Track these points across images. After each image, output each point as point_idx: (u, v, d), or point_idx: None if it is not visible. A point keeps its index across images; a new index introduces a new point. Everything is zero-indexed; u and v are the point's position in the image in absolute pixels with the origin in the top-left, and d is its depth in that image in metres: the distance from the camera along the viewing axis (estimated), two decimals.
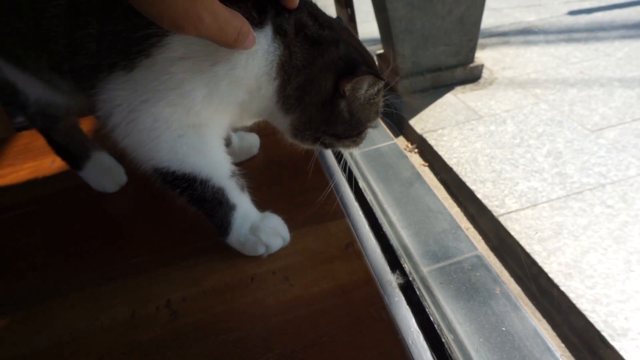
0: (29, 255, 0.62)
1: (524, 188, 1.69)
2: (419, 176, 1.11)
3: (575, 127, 2.00)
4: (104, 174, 0.71)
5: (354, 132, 0.54)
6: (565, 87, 2.33)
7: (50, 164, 0.84)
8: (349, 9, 1.98)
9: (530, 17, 3.31)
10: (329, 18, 0.53)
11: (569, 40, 2.87)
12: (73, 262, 0.60)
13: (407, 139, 2.27)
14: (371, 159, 1.19)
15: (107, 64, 0.46)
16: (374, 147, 1.24)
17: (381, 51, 2.78)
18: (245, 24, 0.41)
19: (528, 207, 1.61)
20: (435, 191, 1.40)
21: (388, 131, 1.32)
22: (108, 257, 0.59)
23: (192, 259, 0.56)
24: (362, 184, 1.08)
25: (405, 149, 2.21)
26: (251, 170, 0.71)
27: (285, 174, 0.70)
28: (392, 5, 2.18)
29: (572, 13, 3.27)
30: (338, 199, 0.62)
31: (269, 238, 0.54)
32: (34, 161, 0.86)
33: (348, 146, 0.56)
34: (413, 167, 1.13)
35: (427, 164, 2.07)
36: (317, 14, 0.51)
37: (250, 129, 0.75)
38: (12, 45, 0.53)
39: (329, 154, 1.15)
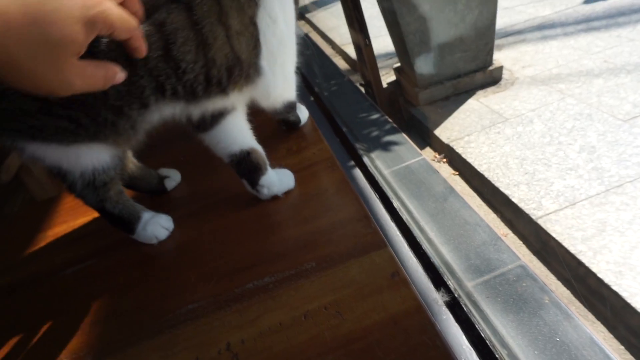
0: (92, 309, 0.67)
1: (560, 187, 1.66)
2: (452, 190, 1.11)
3: (606, 118, 1.96)
4: (155, 227, 0.75)
5: None
6: (590, 79, 2.28)
7: (98, 220, 0.89)
8: (363, 34, 2.02)
9: (544, 12, 3.28)
10: None
11: (588, 30, 2.82)
12: (136, 312, 0.63)
13: (434, 149, 2.27)
14: (402, 177, 1.20)
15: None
16: (403, 164, 1.25)
17: (398, 65, 2.80)
18: (110, 69, 0.49)
19: (567, 207, 1.57)
20: (469, 199, 1.40)
21: (415, 147, 1.32)
22: (166, 305, 0.62)
23: (244, 300, 0.59)
24: (396, 203, 1.09)
25: (434, 160, 2.20)
26: (288, 207, 0.74)
27: (321, 206, 0.72)
28: (404, 20, 2.20)
29: (588, 1, 3.22)
30: (377, 227, 0.63)
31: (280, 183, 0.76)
32: (85, 216, 0.91)
33: None
34: (445, 181, 1.14)
35: (457, 173, 2.06)
36: None
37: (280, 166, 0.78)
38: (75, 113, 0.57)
39: (359, 177, 1.17)
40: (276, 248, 0.66)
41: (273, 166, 0.77)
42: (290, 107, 0.85)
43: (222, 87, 0.63)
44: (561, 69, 2.45)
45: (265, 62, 0.66)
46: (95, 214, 0.90)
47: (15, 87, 0.44)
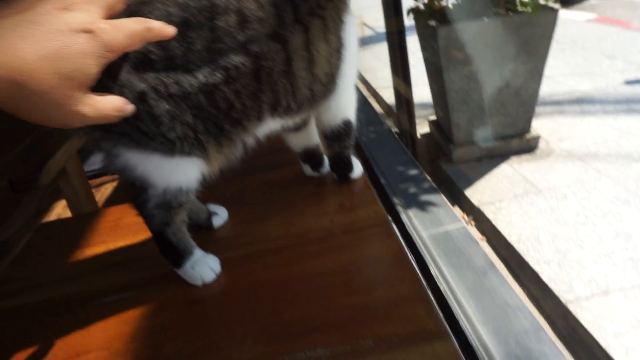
0: (125, 350, 0.64)
1: (593, 273, 1.61)
2: (492, 265, 1.08)
3: None
4: (203, 267, 0.73)
5: None
6: (629, 162, 2.26)
7: (141, 246, 0.87)
8: (406, 84, 2.04)
9: (584, 86, 3.28)
10: None
11: (628, 112, 2.81)
12: None
13: (463, 210, 2.24)
14: (440, 242, 1.18)
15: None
16: (442, 229, 1.23)
17: (434, 117, 2.81)
18: (119, 100, 0.51)
19: (599, 295, 1.52)
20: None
21: (455, 212, 1.30)
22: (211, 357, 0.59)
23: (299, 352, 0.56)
24: (434, 270, 1.06)
25: (462, 221, 2.17)
26: (340, 271, 0.71)
27: (376, 277, 0.69)
28: (450, 77, 2.22)
29: (629, 83, 3.23)
30: (440, 313, 0.60)
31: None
32: (125, 239, 0.90)
33: None
34: (485, 254, 1.11)
35: (485, 239, 2.02)
36: None
37: None
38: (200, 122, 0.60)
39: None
40: (329, 316, 0.63)
41: (322, 221, 0.74)
42: (348, 129, 0.84)
43: (315, 101, 0.70)
44: (599, 147, 2.43)
45: (341, 77, 0.73)
46: (137, 239, 0.89)
47: (28, 120, 0.46)
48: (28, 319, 0.73)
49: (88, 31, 0.45)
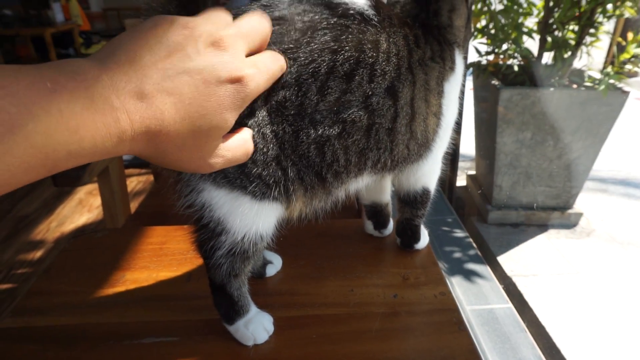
0: None
1: None
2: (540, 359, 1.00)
3: None
4: (257, 326, 0.66)
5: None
6: None
7: (187, 280, 0.81)
8: (457, 133, 1.98)
9: (630, 168, 3.18)
10: None
11: None
12: None
13: (495, 277, 2.14)
14: (484, 322, 1.10)
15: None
16: (487, 306, 1.15)
17: (473, 172, 2.74)
18: (248, 143, 0.48)
19: None
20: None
21: (502, 289, 1.22)
22: None
23: None
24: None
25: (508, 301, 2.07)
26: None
27: None
28: (502, 140, 2.16)
29: None
30: None
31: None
32: (169, 270, 0.84)
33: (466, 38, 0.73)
34: (534, 345, 1.02)
35: None
36: None
37: None
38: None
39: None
40: None
41: (385, 293, 0.68)
42: (425, 199, 0.81)
43: (410, 161, 0.68)
44: None
45: (435, 143, 0.71)
46: (182, 271, 0.83)
47: (158, 165, 0.45)
48: (51, 344, 0.67)
49: (235, 80, 0.41)
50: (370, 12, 0.56)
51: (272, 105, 0.51)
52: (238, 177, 0.54)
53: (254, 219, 0.58)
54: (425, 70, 0.62)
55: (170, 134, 0.39)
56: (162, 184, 1.50)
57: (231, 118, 0.43)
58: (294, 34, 0.51)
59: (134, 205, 1.50)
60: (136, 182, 2.93)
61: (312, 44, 0.51)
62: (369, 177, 0.66)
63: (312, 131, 0.53)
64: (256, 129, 0.51)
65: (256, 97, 0.47)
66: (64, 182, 1.22)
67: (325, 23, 0.52)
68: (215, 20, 0.43)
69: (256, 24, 0.45)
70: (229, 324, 0.66)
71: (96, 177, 1.34)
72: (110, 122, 0.35)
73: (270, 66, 0.46)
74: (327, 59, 0.52)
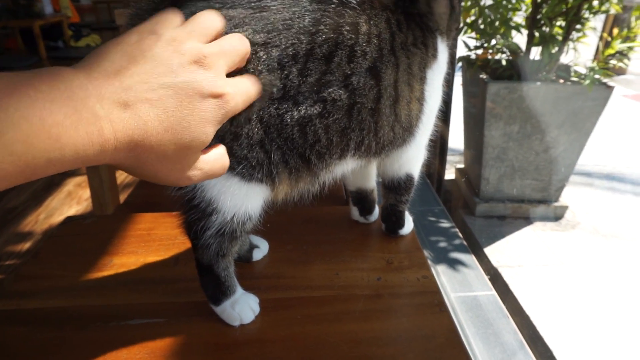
0: None
1: None
2: (522, 345, 1.03)
3: None
4: (244, 307, 0.68)
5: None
6: None
7: (174, 264, 0.82)
8: (446, 125, 2.01)
9: (615, 162, 3.24)
10: None
11: None
12: None
13: (481, 268, 2.18)
14: (468, 308, 1.12)
15: None
16: (471, 293, 1.17)
17: (461, 166, 2.77)
18: (224, 157, 0.49)
19: None
20: None
21: (486, 277, 1.25)
22: None
23: None
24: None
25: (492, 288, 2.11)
26: (388, 340, 0.66)
27: (428, 357, 0.64)
28: (490, 133, 2.19)
29: None
30: None
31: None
32: (157, 254, 0.85)
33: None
34: (516, 331, 1.05)
35: None
36: None
37: None
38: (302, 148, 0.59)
39: None
40: None
41: (369, 276, 0.70)
42: (409, 185, 0.83)
43: (395, 145, 0.69)
44: (626, 230, 2.37)
45: (418, 129, 0.72)
46: (169, 255, 0.84)
47: (135, 177, 0.46)
48: (40, 326, 0.68)
49: (217, 96, 0.43)
50: None
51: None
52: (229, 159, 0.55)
53: (243, 199, 0.60)
54: (408, 54, 0.63)
55: (153, 145, 0.39)
56: None
57: (211, 132, 0.44)
58: (274, 21, 0.52)
59: (124, 197, 1.50)
60: (126, 174, 2.92)
61: (292, 29, 0.53)
62: (354, 161, 0.67)
63: (296, 112, 0.55)
64: (244, 114, 0.52)
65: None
66: None
67: (303, 8, 0.54)
68: (199, 35, 0.44)
69: (237, 44, 0.47)
70: (216, 304, 0.68)
71: (85, 167, 1.34)
72: (94, 131, 0.35)
73: (249, 89, 0.48)
74: (305, 41, 0.53)
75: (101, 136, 0.36)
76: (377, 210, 0.93)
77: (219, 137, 0.53)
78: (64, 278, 0.79)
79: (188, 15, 0.46)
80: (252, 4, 0.52)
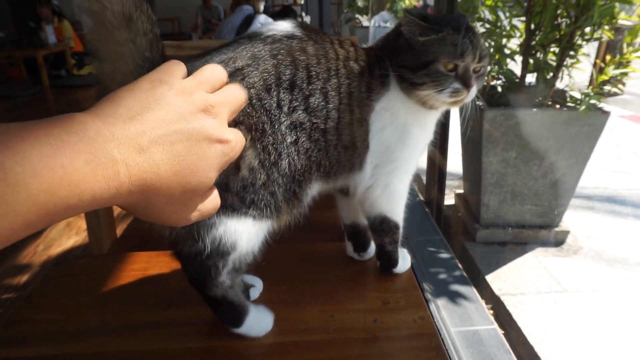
0: None
1: None
2: None
3: None
4: (261, 318, 0.74)
5: (421, 62, 0.70)
6: None
7: (168, 307, 0.81)
8: (442, 155, 2.01)
9: (615, 185, 3.23)
10: None
11: None
12: None
13: (482, 296, 2.15)
14: (469, 344, 1.10)
15: None
16: (472, 328, 1.15)
17: (461, 191, 2.77)
18: (217, 198, 0.49)
19: None
20: None
21: (487, 311, 1.23)
22: None
23: None
24: None
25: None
26: None
27: None
28: (488, 159, 2.19)
29: None
30: None
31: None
32: (151, 296, 0.84)
33: (424, 83, 0.70)
34: None
35: (503, 332, 1.92)
36: None
37: None
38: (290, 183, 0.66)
39: None
40: None
41: (365, 319, 0.68)
42: (385, 228, 0.81)
43: (344, 166, 0.72)
44: (629, 254, 2.35)
45: (369, 160, 0.74)
46: (162, 298, 0.82)
47: (139, 218, 0.47)
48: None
49: (223, 142, 0.45)
50: (296, 30, 0.67)
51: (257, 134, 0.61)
52: (242, 205, 0.63)
53: (256, 236, 0.67)
54: (352, 77, 0.69)
55: (163, 188, 0.41)
56: None
57: (215, 177, 0.46)
58: (243, 65, 0.62)
59: (122, 228, 1.49)
60: None
61: (260, 67, 0.62)
62: (319, 183, 0.72)
63: (284, 145, 0.63)
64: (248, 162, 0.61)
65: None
66: None
67: (262, 50, 0.63)
68: (206, 86, 0.46)
69: (237, 94, 0.50)
70: (238, 326, 0.71)
71: None
72: (111, 175, 0.36)
73: (243, 137, 0.50)
74: (272, 73, 0.62)
75: (117, 180, 0.37)
76: (372, 248, 0.92)
77: (224, 184, 0.60)
78: (56, 323, 0.78)
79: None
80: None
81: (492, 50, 2.31)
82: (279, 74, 0.63)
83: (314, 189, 0.73)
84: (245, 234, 0.65)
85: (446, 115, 1.99)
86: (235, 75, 0.61)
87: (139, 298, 0.84)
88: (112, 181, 0.36)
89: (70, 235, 2.55)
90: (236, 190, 0.62)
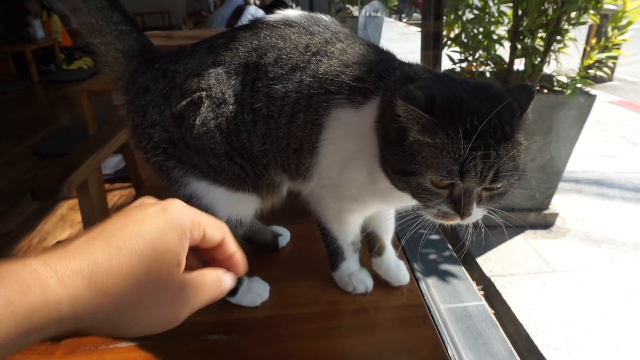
0: None
1: None
2: (512, 354, 1.04)
3: None
4: (255, 288, 0.78)
5: (401, 167, 0.54)
6: None
7: None
8: None
9: (603, 168, 3.28)
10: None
11: None
12: None
13: (473, 278, 2.18)
14: (458, 319, 1.13)
15: None
16: (461, 304, 1.19)
17: None
18: (219, 282, 0.44)
19: None
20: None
21: (476, 289, 1.26)
22: None
23: None
24: (451, 351, 1.02)
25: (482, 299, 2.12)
26: (374, 355, 0.67)
27: None
28: None
29: None
30: None
31: (358, 283, 0.77)
32: None
33: (403, 189, 0.57)
34: (505, 340, 1.06)
35: (493, 312, 1.96)
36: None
37: None
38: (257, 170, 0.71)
39: None
40: None
41: None
42: (325, 234, 0.77)
43: (295, 168, 0.70)
44: (616, 235, 2.39)
45: (316, 172, 0.69)
46: None
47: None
48: (26, 355, 0.69)
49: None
50: (301, 19, 0.69)
51: (217, 101, 0.66)
52: (210, 171, 0.69)
53: (233, 206, 0.72)
54: (312, 92, 0.64)
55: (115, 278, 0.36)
56: (143, 195, 1.52)
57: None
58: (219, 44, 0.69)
59: None
60: (119, 196, 2.93)
61: (232, 51, 0.67)
62: (286, 179, 0.74)
63: (241, 118, 0.67)
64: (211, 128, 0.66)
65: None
66: (43, 196, 1.24)
67: (244, 34, 0.69)
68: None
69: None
70: (233, 295, 0.76)
71: (75, 191, 1.35)
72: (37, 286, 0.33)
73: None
74: (244, 54, 0.67)
75: (46, 287, 0.33)
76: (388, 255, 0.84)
77: (172, 139, 0.68)
78: None
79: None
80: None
81: (480, 36, 2.33)
82: (249, 56, 0.67)
83: (285, 181, 0.74)
84: (221, 201, 0.70)
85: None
86: (209, 54, 0.68)
87: None
88: (43, 292, 0.32)
89: (65, 228, 2.56)
90: (191, 145, 0.67)
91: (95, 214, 1.40)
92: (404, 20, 13.70)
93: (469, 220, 0.56)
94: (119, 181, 3.01)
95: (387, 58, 0.67)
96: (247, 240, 0.90)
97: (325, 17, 0.71)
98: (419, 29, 4.61)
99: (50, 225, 2.60)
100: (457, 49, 2.40)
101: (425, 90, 0.51)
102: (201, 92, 0.66)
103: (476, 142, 0.48)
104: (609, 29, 2.09)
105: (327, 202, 0.73)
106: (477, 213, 0.56)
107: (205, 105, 0.66)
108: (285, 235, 0.94)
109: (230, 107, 0.67)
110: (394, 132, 0.53)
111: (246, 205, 0.73)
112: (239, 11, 3.85)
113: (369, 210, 0.74)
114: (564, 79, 2.28)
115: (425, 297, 1.22)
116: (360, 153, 0.63)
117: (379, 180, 0.62)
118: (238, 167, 0.69)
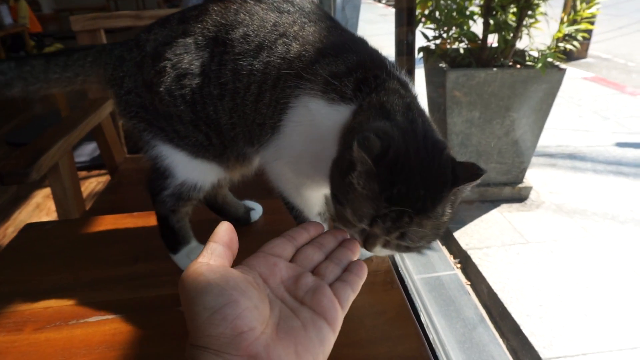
0: None
1: (574, 332, 1.62)
2: (482, 319, 1.07)
3: (628, 272, 1.94)
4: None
5: (335, 192, 0.58)
6: (615, 225, 2.29)
7: (134, 262, 0.84)
8: None
9: (577, 142, 3.36)
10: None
11: (617, 174, 2.88)
12: None
13: (450, 252, 2.24)
14: (432, 288, 1.16)
15: None
16: (435, 274, 1.22)
17: None
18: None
19: (578, 355, 1.52)
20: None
21: (449, 258, 1.29)
22: None
23: None
24: (424, 317, 1.05)
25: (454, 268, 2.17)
26: None
27: (378, 331, 0.68)
28: (452, 120, 2.24)
29: (620, 145, 3.31)
30: None
31: None
32: (117, 254, 0.86)
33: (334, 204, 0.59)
34: (476, 306, 1.10)
35: (469, 283, 2.02)
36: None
37: None
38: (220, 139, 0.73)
39: None
40: None
41: None
42: (286, 202, 0.77)
43: (257, 141, 0.71)
44: (587, 205, 2.47)
45: (273, 143, 0.69)
46: (129, 255, 0.85)
47: None
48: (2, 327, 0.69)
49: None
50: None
51: (180, 74, 0.69)
52: (174, 135, 0.72)
53: (191, 171, 0.75)
54: (282, 72, 0.64)
55: None
56: (118, 179, 1.50)
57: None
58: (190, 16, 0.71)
59: (90, 205, 1.49)
60: (96, 182, 2.89)
61: (202, 23, 0.69)
62: (252, 150, 0.74)
63: (207, 89, 0.69)
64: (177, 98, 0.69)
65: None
66: (12, 180, 1.21)
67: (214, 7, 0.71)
68: None
69: None
70: (174, 252, 0.80)
71: (47, 174, 1.33)
72: None
73: None
74: (212, 27, 0.68)
75: None
76: None
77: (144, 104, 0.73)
78: (24, 283, 0.79)
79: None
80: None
81: (454, 13, 2.34)
82: (218, 30, 0.68)
83: (254, 154, 0.75)
84: (180, 164, 0.74)
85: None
86: (180, 24, 0.70)
87: (106, 257, 0.86)
88: None
89: (41, 216, 2.52)
90: (160, 110, 0.71)
91: (68, 199, 1.38)
92: (383, 1, 13.61)
93: (377, 254, 0.60)
94: (95, 168, 2.97)
95: (365, 58, 0.64)
96: (219, 214, 0.90)
97: None
98: None
99: (26, 213, 2.55)
100: (432, 26, 2.40)
101: (384, 141, 0.51)
102: (166, 62, 0.69)
103: (396, 206, 0.51)
104: (578, 2, 2.11)
105: (287, 177, 0.73)
106: (385, 251, 0.59)
107: (170, 75, 0.69)
108: (257, 210, 0.96)
109: (197, 79, 0.69)
110: (346, 162, 0.54)
111: (204, 173, 0.76)
112: None
113: (324, 189, 0.74)
114: (535, 54, 2.31)
115: (400, 269, 1.24)
116: (322, 144, 0.63)
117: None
118: (202, 135, 0.72)
